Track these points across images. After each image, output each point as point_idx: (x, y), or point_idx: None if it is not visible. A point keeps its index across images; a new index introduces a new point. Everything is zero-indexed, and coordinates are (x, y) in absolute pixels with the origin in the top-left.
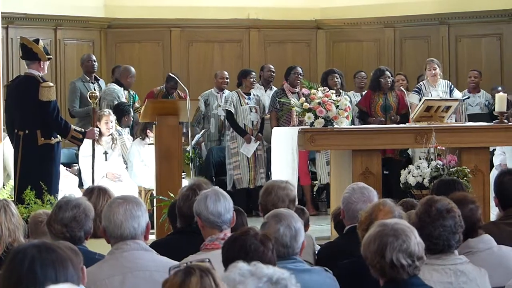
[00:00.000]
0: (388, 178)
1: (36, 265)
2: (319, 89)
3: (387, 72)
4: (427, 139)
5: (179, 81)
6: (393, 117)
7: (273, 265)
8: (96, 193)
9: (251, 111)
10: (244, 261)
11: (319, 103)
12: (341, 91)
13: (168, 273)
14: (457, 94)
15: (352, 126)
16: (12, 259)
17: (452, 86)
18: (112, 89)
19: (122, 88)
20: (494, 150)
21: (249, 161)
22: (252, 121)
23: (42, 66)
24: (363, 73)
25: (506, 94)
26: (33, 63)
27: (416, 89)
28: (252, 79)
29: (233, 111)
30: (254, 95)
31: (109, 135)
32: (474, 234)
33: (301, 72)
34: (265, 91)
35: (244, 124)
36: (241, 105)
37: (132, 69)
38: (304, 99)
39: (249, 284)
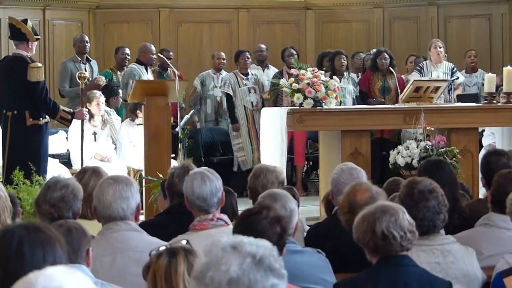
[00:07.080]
0: (385, 159)
1: (24, 245)
2: (307, 69)
3: (385, 54)
4: (416, 120)
5: (167, 61)
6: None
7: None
8: (88, 174)
9: (249, 92)
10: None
11: (308, 84)
12: (345, 72)
13: (149, 257)
14: (459, 76)
15: (341, 107)
16: (0, 240)
17: (455, 68)
18: (130, 68)
19: (144, 67)
20: (483, 131)
21: (252, 142)
22: (252, 102)
23: (30, 47)
24: (361, 53)
25: (494, 75)
26: (21, 44)
27: (418, 68)
28: (245, 59)
29: (231, 93)
30: (252, 74)
31: (101, 116)
32: (502, 210)
33: (293, 52)
34: (263, 70)
35: (244, 106)
36: (239, 87)
37: (149, 45)
38: (293, 79)
39: (232, 265)
